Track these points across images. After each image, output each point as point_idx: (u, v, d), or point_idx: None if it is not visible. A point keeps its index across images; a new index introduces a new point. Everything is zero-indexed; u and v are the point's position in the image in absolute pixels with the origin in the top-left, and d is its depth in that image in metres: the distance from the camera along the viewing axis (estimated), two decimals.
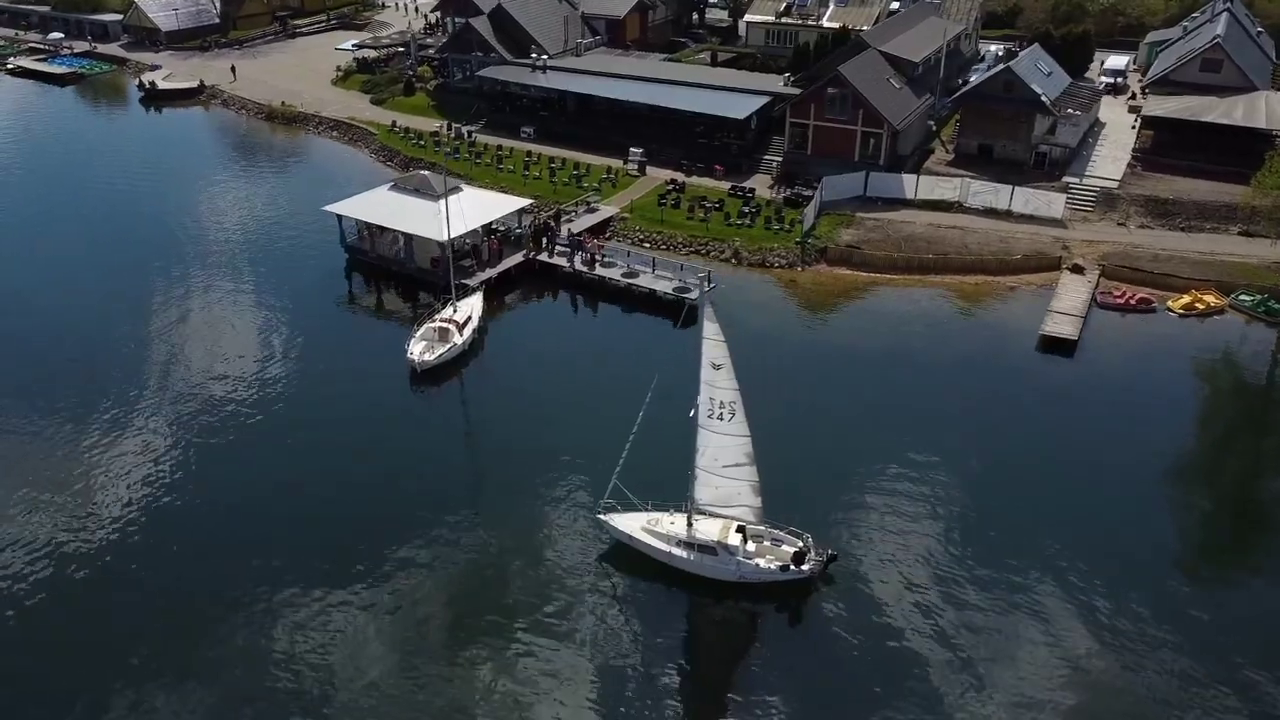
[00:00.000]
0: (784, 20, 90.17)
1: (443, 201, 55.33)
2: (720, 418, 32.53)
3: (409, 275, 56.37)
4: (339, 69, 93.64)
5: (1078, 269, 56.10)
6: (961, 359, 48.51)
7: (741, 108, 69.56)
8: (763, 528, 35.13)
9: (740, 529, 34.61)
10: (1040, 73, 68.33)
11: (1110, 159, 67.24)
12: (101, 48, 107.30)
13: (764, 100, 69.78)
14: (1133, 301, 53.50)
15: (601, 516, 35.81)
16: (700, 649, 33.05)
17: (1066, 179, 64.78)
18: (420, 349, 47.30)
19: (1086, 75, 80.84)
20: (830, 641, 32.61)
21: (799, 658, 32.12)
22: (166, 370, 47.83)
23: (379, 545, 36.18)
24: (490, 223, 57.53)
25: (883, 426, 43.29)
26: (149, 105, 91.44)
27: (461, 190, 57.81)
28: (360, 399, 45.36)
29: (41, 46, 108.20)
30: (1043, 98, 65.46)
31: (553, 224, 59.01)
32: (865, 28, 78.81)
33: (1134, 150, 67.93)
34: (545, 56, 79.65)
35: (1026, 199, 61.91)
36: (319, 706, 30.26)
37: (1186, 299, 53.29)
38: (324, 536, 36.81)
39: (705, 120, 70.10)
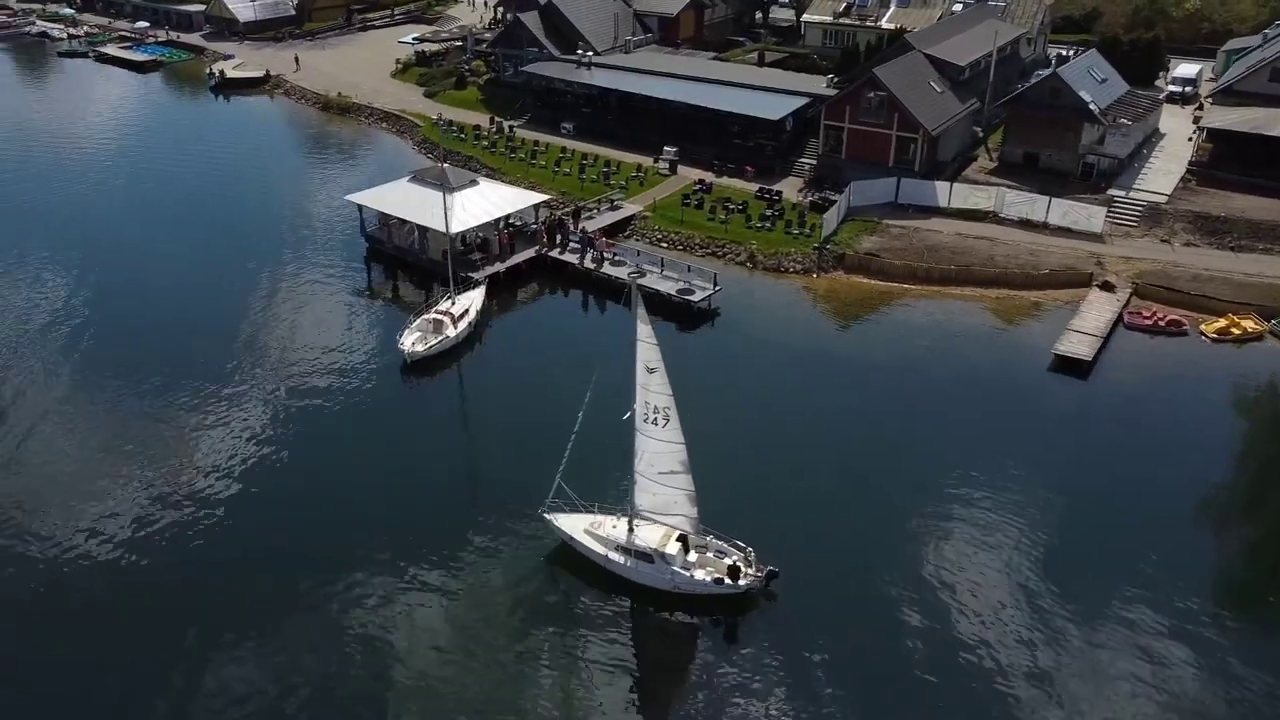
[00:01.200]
0: (841, 21, 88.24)
1: (454, 195, 56.22)
2: (655, 423, 31.80)
3: (422, 266, 56.89)
4: (398, 62, 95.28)
5: (1108, 286, 53.31)
6: (966, 374, 46.55)
7: (777, 109, 68.23)
8: (708, 538, 34.34)
9: (682, 538, 33.82)
10: (1092, 79, 65.17)
11: (1163, 172, 63.69)
12: (183, 37, 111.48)
13: (801, 102, 68.32)
14: (1162, 323, 50.56)
15: (546, 516, 35.42)
16: (630, 659, 32.16)
17: (1112, 192, 61.67)
18: (412, 340, 47.65)
19: (1156, 84, 77.09)
20: (763, 661, 31.52)
21: (729, 675, 31.09)
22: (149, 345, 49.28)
23: (318, 529, 36.60)
24: (503, 217, 57.61)
25: (867, 440, 41.89)
26: (218, 93, 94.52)
27: (478, 184, 58.30)
28: (347, 389, 45.82)
29: (129, 34, 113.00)
30: (1091, 106, 62.47)
31: (567, 220, 58.83)
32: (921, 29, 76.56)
33: (1190, 163, 64.22)
34: (590, 53, 79.58)
35: (1064, 211, 59.12)
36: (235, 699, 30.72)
37: (1222, 323, 50.13)
38: (270, 518, 37.44)
39: (740, 121, 68.95)
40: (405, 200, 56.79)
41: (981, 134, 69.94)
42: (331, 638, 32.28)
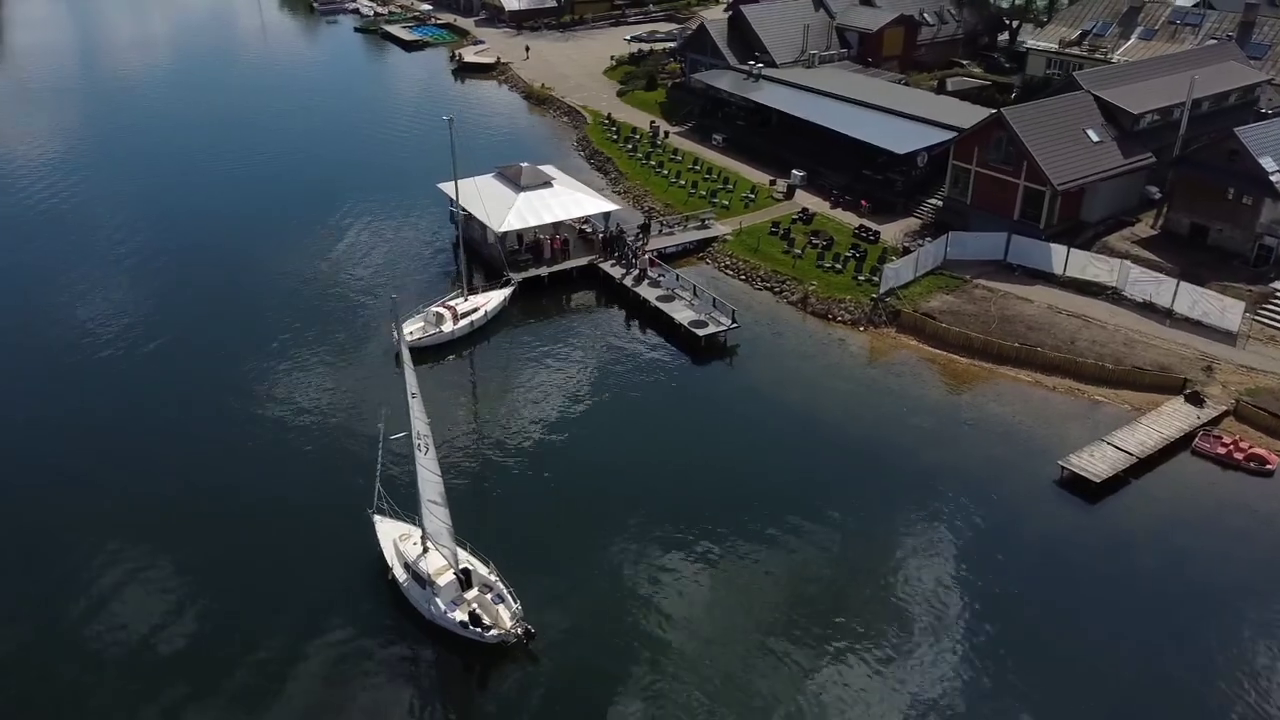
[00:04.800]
0: (1068, 51, 77.98)
1: (521, 194, 57.28)
2: (421, 449, 31.03)
3: (483, 259, 58.43)
4: (613, 59, 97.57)
5: (1195, 399, 43.61)
6: (950, 469, 40.34)
7: (907, 142, 62.11)
8: (495, 580, 33.00)
9: (465, 572, 32.75)
10: None
11: None
12: (460, 21, 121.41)
13: (941, 137, 61.53)
14: (1238, 455, 40.60)
15: (375, 517, 35.65)
16: (381, 684, 31.61)
17: (1276, 285, 50.06)
18: (405, 328, 49.02)
19: None
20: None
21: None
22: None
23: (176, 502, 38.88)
24: (563, 221, 57.69)
25: (762, 520, 37.64)
26: (457, 75, 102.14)
27: (551, 186, 58.77)
28: (337, 371, 48.01)
29: (419, 16, 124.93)
30: (1273, 177, 50.91)
31: (625, 234, 57.70)
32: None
33: None
34: (760, 65, 76.80)
35: (1194, 300, 48.92)
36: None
37: None
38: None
39: (868, 150, 63.54)
40: (478, 193, 58.31)
41: (1159, 195, 59.17)
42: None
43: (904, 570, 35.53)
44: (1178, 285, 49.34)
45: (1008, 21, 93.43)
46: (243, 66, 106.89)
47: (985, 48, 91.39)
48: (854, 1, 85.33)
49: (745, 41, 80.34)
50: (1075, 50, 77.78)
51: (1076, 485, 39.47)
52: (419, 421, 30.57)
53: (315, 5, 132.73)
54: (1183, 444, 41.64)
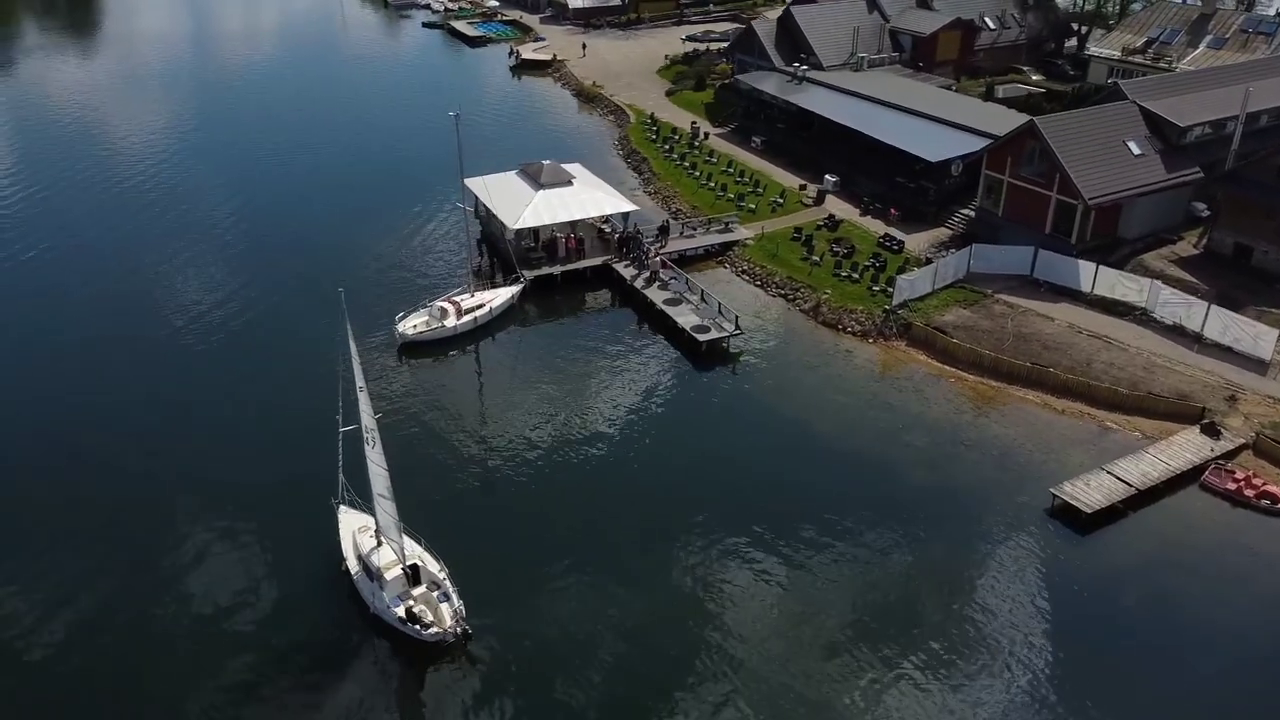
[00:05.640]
0: (1131, 59, 74.69)
1: (539, 192, 57.22)
2: (369, 443, 31.06)
3: (500, 255, 58.48)
4: (667, 58, 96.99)
5: (1211, 430, 41.16)
6: (935, 490, 38.89)
7: (941, 150, 60.11)
8: (444, 579, 32.90)
9: (414, 567, 32.71)
10: None
11: None
12: (525, 17, 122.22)
13: (977, 145, 59.35)
14: (1249, 492, 38.15)
15: (341, 507, 35.82)
16: (317, 674, 31.60)
17: None
18: (408, 322, 49.69)
19: None
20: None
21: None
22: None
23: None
24: (581, 220, 57.40)
25: (716, 533, 36.84)
26: (515, 72, 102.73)
27: (572, 185, 58.54)
28: (338, 358, 48.34)
29: (486, 12, 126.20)
30: None
31: (641, 235, 57.10)
32: None
33: None
34: (805, 68, 75.35)
35: (1226, 325, 46.21)
36: None
37: None
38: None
39: (901, 157, 61.70)
40: (499, 189, 58.58)
41: (1206, 213, 56.09)
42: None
43: (850, 595, 34.10)
44: (1208, 309, 46.67)
45: (1076, 27, 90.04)
46: (315, 58, 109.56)
47: (1050, 54, 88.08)
48: (910, 4, 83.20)
49: (793, 43, 78.90)
50: (1139, 58, 74.54)
51: (1067, 515, 37.58)
52: (366, 415, 30.62)
53: (389, 0, 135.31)
54: (1192, 477, 39.35)
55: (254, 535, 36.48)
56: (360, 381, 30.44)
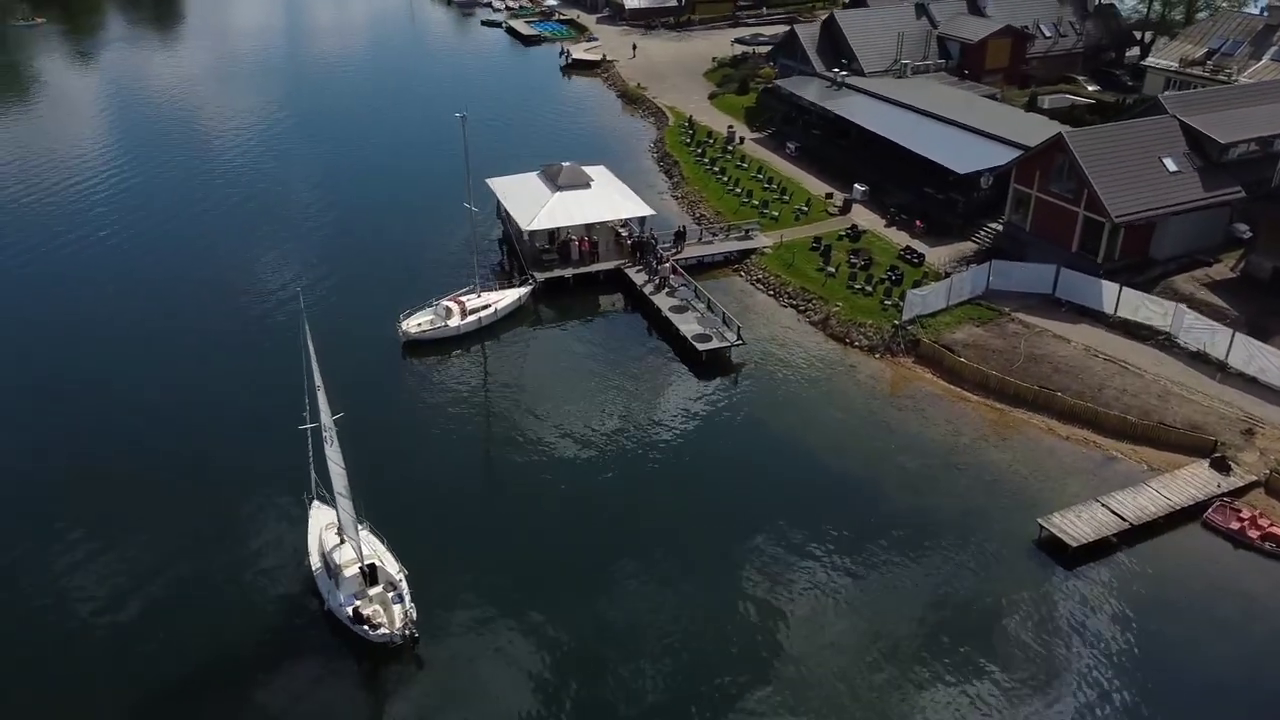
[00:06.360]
0: (1189, 71, 71.55)
1: (556, 194, 57.13)
2: (328, 441, 31.23)
3: (520, 255, 58.51)
4: (714, 60, 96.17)
5: (1221, 465, 39.12)
6: (918, 515, 37.65)
7: (971, 161, 58.33)
8: (400, 580, 32.95)
9: (371, 567, 32.85)
10: None
11: None
12: (582, 17, 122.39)
13: (1009, 158, 57.42)
14: (1253, 533, 36.14)
15: (314, 503, 36.06)
16: (266, 667, 31.78)
17: None
18: (412, 320, 49.95)
19: None
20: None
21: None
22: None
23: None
24: (597, 223, 57.11)
25: (701, 544, 36.27)
26: (565, 72, 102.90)
27: (590, 188, 58.29)
28: (340, 354, 48.52)
29: (544, 11, 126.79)
30: None
31: (655, 240, 56.56)
32: None
33: None
34: (845, 74, 73.90)
35: (1251, 354, 43.91)
36: None
37: None
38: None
39: (930, 167, 60.04)
40: (518, 190, 58.66)
41: (1248, 235, 53.38)
42: None
43: (793, 624, 33.03)
44: (1232, 336, 44.39)
45: (1139, 35, 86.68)
46: (373, 53, 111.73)
47: (1110, 64, 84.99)
48: (962, 10, 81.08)
49: (835, 48, 77.52)
50: (1197, 70, 71.34)
51: (1053, 548, 36.07)
52: (324, 414, 30.79)
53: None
54: (1195, 514, 37.43)
55: (228, 525, 36.98)
56: (318, 380, 30.58)
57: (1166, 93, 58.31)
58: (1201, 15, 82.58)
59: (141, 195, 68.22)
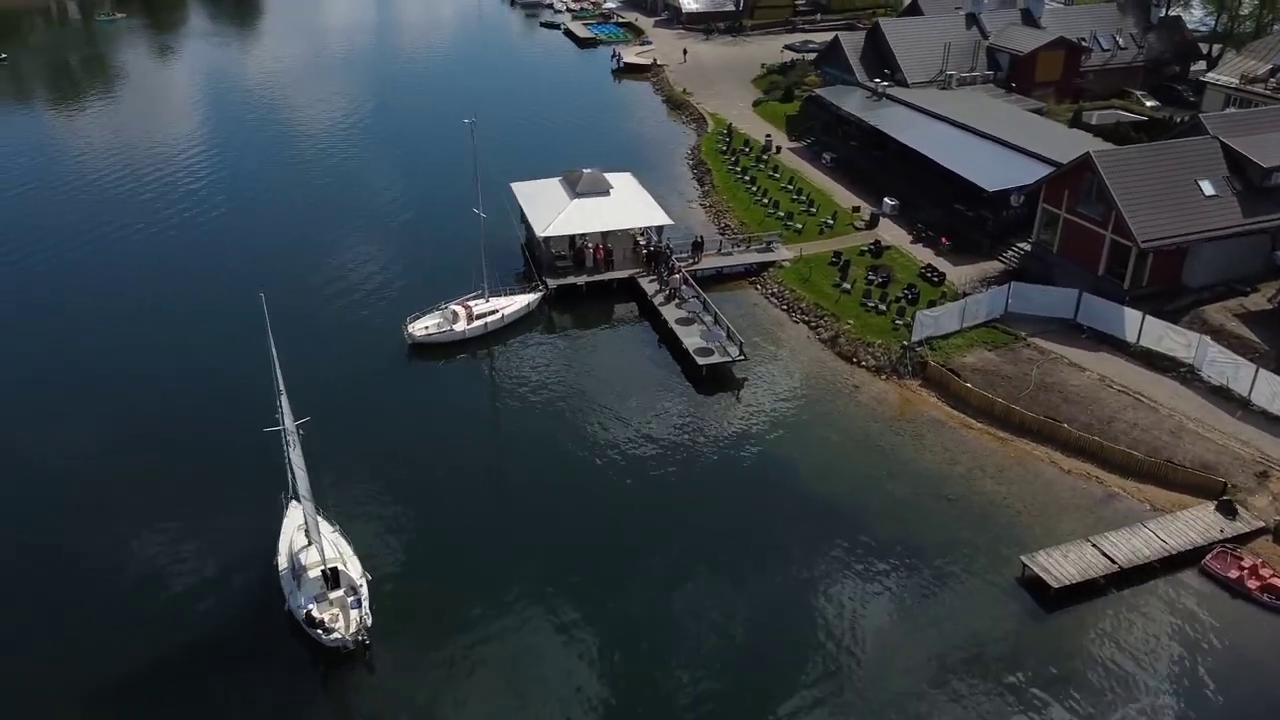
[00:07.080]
0: (1251, 89, 68.33)
1: (574, 201, 57.06)
2: (290, 444, 31.58)
3: (537, 260, 58.47)
4: (763, 66, 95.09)
5: (1227, 508, 37.19)
6: (900, 546, 36.58)
7: (1000, 178, 56.53)
8: (362, 586, 33.13)
9: (334, 571, 33.13)
10: None
11: None
12: (640, 20, 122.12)
13: (1039, 175, 55.46)
14: (1252, 583, 34.26)
15: (292, 504, 36.40)
16: (219, 663, 32.10)
17: None
18: (419, 323, 50.26)
19: None
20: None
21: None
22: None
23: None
24: (614, 231, 56.80)
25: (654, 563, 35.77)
26: (615, 75, 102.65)
27: (608, 194, 58.08)
28: (347, 355, 48.93)
29: (604, 13, 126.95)
30: None
31: (670, 250, 56.01)
32: None
33: None
34: (886, 84, 72.34)
35: (1275, 392, 41.66)
36: None
37: None
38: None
39: (960, 183, 58.32)
40: (538, 196, 58.66)
41: None
42: None
43: (754, 652, 32.36)
44: (1256, 371, 42.17)
45: (1205, 49, 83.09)
46: (430, 58, 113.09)
47: (1173, 78, 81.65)
48: (1015, 20, 78.73)
49: (880, 58, 75.98)
50: (1259, 88, 68.13)
51: (1036, 587, 34.68)
52: (287, 418, 31.15)
53: (515, 1, 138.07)
54: (1194, 559, 35.63)
55: (203, 521, 37.51)
56: (280, 385, 30.95)
57: (1209, 112, 55.58)
58: (1278, 28, 79.00)
59: (212, 185, 70.32)
